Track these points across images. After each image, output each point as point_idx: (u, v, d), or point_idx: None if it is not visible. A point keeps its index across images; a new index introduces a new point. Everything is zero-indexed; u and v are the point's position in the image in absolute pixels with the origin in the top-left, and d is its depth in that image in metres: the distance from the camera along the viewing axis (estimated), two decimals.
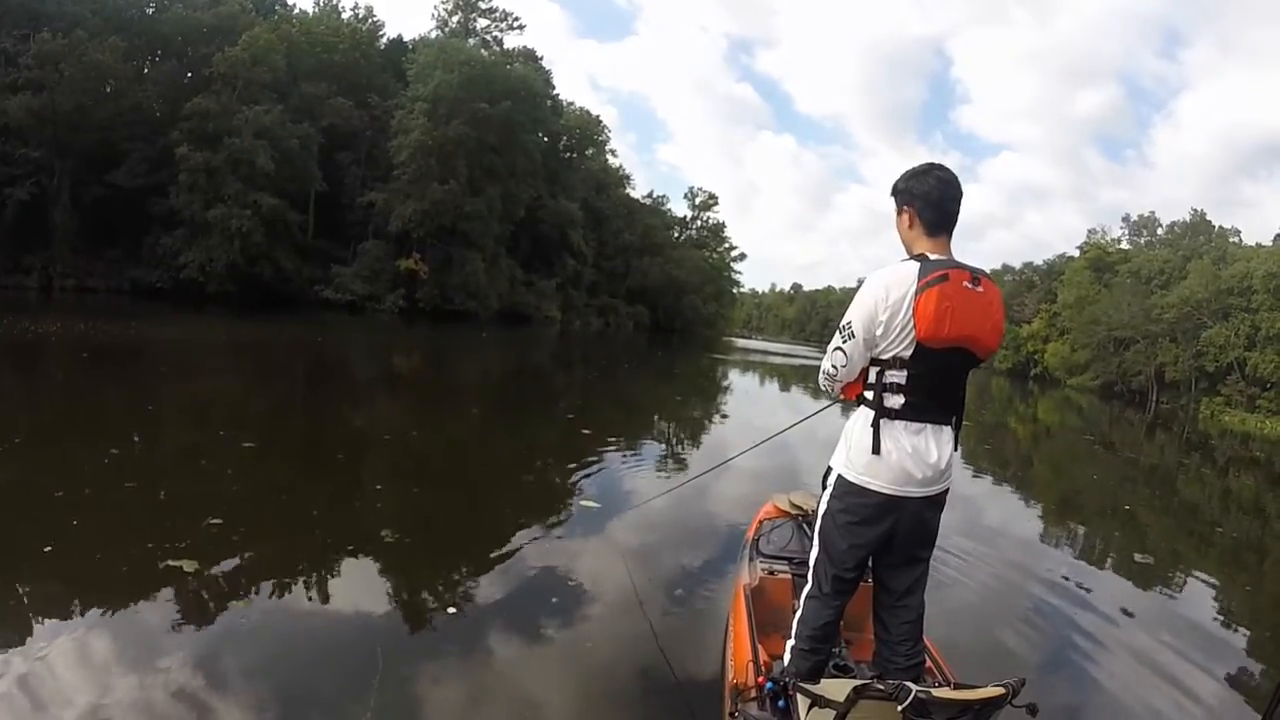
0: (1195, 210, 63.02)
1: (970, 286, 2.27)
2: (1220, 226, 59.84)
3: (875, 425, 2.33)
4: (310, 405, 11.08)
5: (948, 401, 2.39)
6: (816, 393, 20.60)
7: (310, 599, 3.94)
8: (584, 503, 6.27)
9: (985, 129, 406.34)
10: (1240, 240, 57.03)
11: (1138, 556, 6.92)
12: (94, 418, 7.99)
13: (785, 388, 25.46)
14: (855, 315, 2.33)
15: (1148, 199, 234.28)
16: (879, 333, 2.29)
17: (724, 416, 15.11)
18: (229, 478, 5.89)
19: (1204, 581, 6.61)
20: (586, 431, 10.37)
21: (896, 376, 2.31)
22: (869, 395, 2.37)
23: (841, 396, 2.54)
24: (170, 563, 3.95)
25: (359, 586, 4.12)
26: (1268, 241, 53.28)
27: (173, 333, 19.87)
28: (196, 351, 16.53)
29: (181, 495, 5.28)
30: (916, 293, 2.22)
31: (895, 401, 2.33)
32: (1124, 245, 66.12)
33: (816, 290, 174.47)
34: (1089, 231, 71.29)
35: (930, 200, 2.38)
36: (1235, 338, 45.91)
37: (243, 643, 3.31)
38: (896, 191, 2.45)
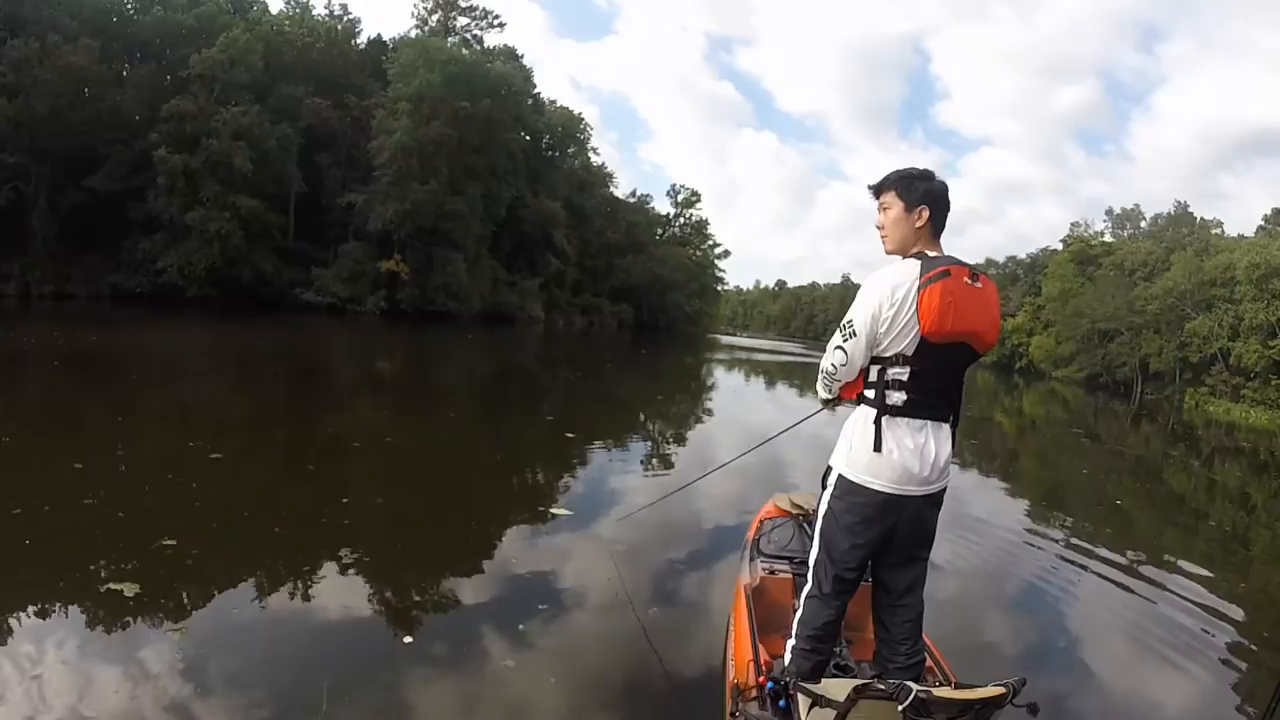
0: (1178, 202, 63.62)
1: (970, 282, 2.32)
2: (1202, 218, 60.32)
3: (877, 423, 2.35)
4: (284, 413, 10.84)
5: (947, 398, 2.43)
6: (804, 390, 20.55)
7: (255, 628, 3.66)
8: (566, 511, 6.08)
9: (966, 125, 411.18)
10: (1222, 232, 57.47)
11: (1130, 551, 6.87)
12: (62, 430, 7.73)
13: (771, 385, 25.40)
14: (857, 313, 2.36)
15: (1129, 192, 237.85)
16: (882, 329, 2.33)
17: (710, 415, 15.00)
18: (193, 492, 5.67)
19: (1198, 575, 6.52)
20: (570, 435, 10.21)
21: (899, 373, 2.34)
22: (870, 394, 2.40)
23: (840, 397, 2.55)
24: (112, 586, 3.74)
25: (310, 614, 3.86)
26: (1249, 233, 53.80)
27: (150, 339, 19.56)
28: (173, 358, 16.27)
29: (140, 513, 5.07)
30: (920, 288, 2.27)
31: (897, 398, 2.35)
32: (1107, 238, 66.44)
33: (801, 286, 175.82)
34: (1072, 225, 71.72)
35: (941, 204, 2.44)
36: (1219, 328, 46.17)
37: (174, 678, 3.02)
38: (910, 189, 2.43)
